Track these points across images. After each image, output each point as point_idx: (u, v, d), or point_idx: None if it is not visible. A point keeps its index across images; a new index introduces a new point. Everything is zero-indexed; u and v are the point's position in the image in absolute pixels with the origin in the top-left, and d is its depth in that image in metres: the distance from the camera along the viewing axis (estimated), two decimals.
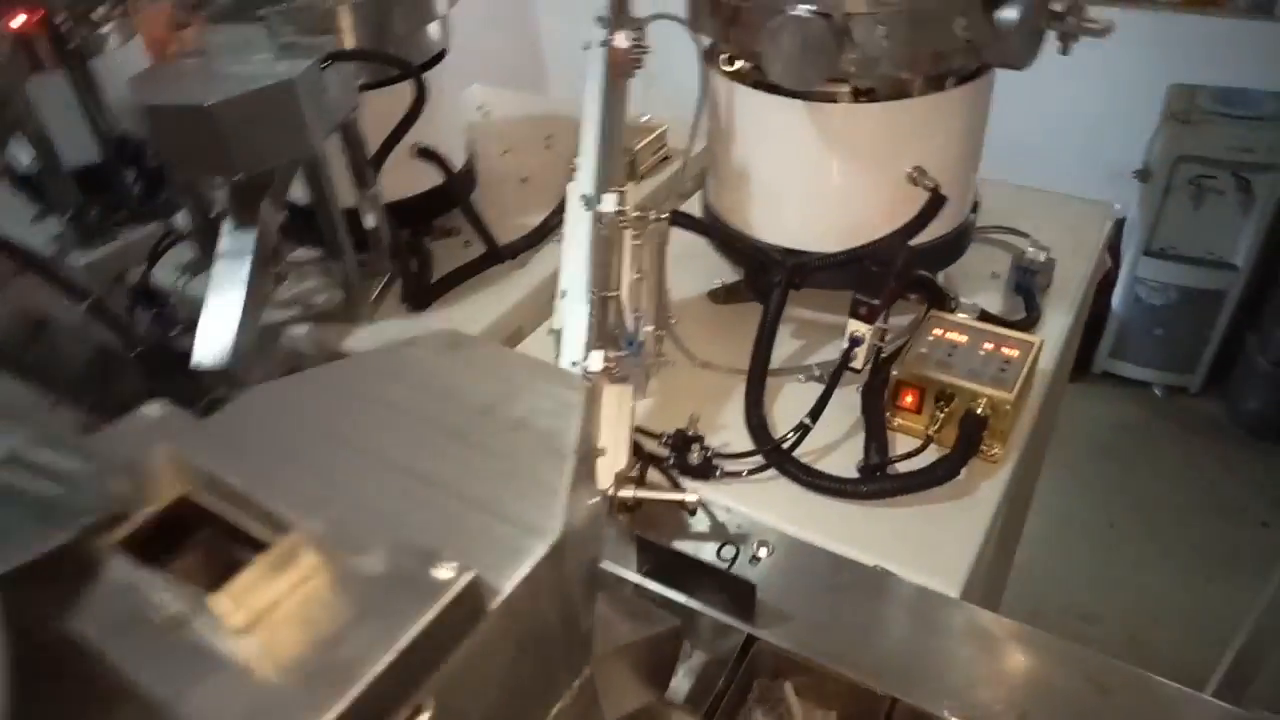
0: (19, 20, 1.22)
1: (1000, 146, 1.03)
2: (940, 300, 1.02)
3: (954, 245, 1.05)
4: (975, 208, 1.09)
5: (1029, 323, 1.03)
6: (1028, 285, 1.08)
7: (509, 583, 0.33)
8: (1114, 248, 2.50)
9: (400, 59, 1.07)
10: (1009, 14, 0.82)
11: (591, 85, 0.91)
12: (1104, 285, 2.51)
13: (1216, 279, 2.45)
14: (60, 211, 1.36)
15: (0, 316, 1.08)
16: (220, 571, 0.34)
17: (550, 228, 1.30)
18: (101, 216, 1.37)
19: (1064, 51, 0.89)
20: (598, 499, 0.42)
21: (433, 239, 1.30)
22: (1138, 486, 2.42)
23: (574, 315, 0.83)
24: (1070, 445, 2.41)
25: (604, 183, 0.85)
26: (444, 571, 0.31)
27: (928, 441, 0.87)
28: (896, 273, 0.90)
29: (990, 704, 0.66)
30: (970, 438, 0.84)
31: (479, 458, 0.39)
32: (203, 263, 1.28)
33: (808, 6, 0.82)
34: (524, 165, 1.49)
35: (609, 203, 0.83)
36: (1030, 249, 1.10)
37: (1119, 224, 2.51)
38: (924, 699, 0.67)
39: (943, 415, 0.88)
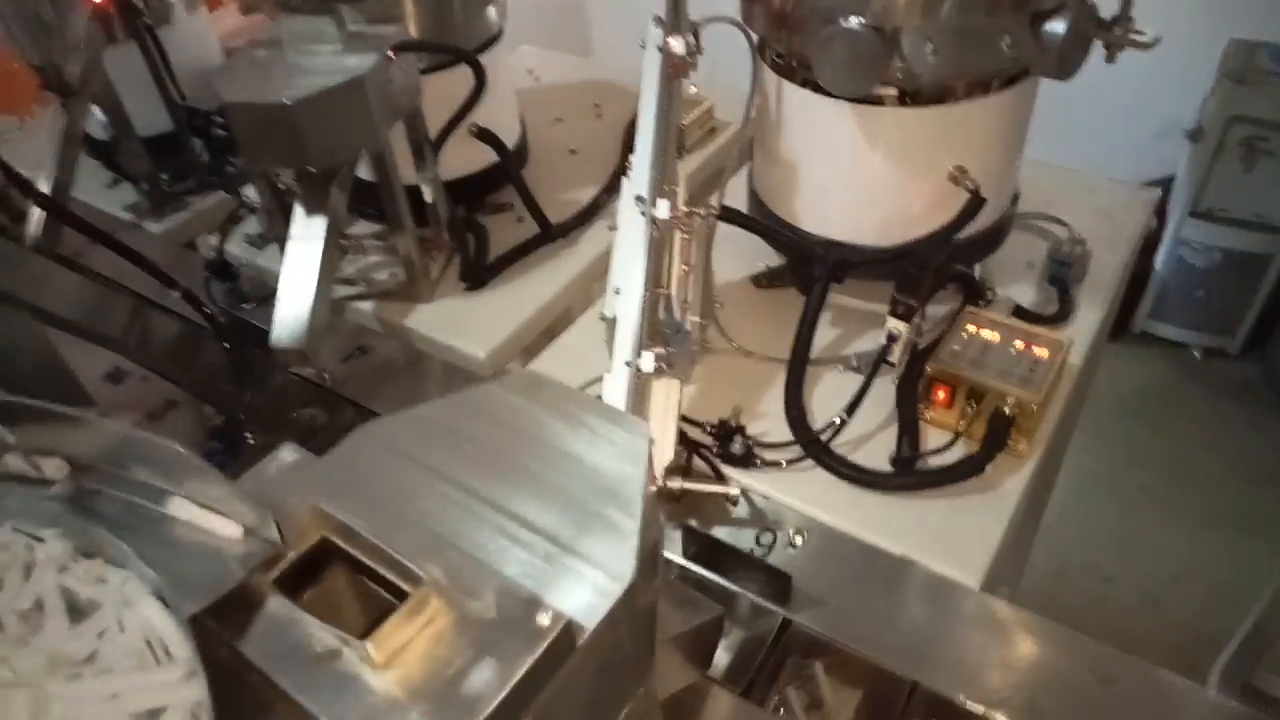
0: None
1: (1045, 102, 1.02)
2: (976, 294, 1.06)
3: (992, 238, 1.09)
4: (1015, 199, 1.12)
5: (1061, 317, 1.07)
6: (1062, 278, 1.11)
7: (593, 622, 0.40)
8: (1159, 208, 2.48)
9: (461, 49, 1.12)
10: (1056, 27, 0.84)
11: (647, 87, 0.94)
12: (1148, 246, 2.50)
13: (1263, 243, 2.43)
14: (133, 179, 1.44)
15: (89, 297, 1.16)
16: (354, 606, 0.42)
17: (599, 206, 1.34)
18: (171, 184, 1.44)
19: (1110, 60, 0.90)
20: (660, 536, 0.48)
21: (485, 215, 1.35)
22: (1169, 449, 2.45)
23: (626, 314, 0.88)
24: (1104, 406, 2.44)
25: (659, 186, 0.89)
26: (544, 618, 0.38)
27: (957, 437, 0.92)
28: (934, 273, 0.94)
29: (1001, 689, 0.73)
30: (997, 436, 0.90)
31: (560, 500, 0.46)
32: (269, 236, 1.36)
33: (859, 18, 0.85)
34: (573, 135, 1.53)
35: (664, 209, 0.87)
36: (1065, 241, 1.13)
37: (1166, 184, 2.48)
38: (941, 683, 0.74)
39: (973, 411, 0.93)
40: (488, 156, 1.31)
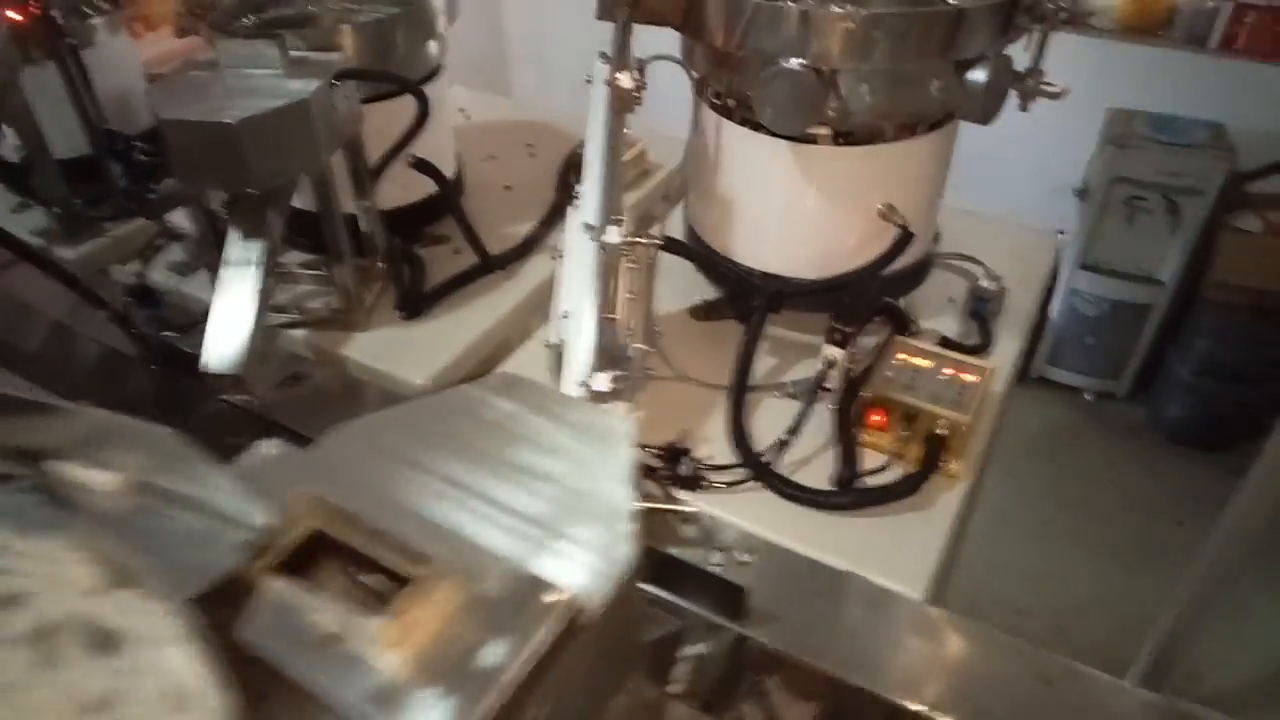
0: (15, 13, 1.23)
1: (954, 163, 1.10)
2: (903, 325, 1.11)
3: (917, 273, 1.15)
4: (936, 238, 1.18)
5: (982, 347, 1.13)
6: (981, 312, 1.18)
7: (595, 602, 0.40)
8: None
9: (405, 79, 1.12)
10: (978, 75, 0.91)
11: (594, 120, 0.97)
12: (1044, 296, 2.67)
13: (1144, 293, 2.62)
14: (46, 203, 1.38)
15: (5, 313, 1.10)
16: (352, 593, 0.41)
17: (537, 239, 1.36)
18: (87, 210, 1.39)
19: (1023, 108, 0.98)
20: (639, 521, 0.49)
21: (422, 247, 1.35)
22: (1068, 486, 2.58)
23: (578, 337, 0.90)
24: (1007, 446, 2.56)
25: (607, 214, 0.92)
26: (551, 597, 0.38)
27: (895, 457, 0.96)
28: (868, 303, 0.99)
29: (948, 693, 0.75)
30: (932, 455, 0.94)
31: (548, 489, 0.46)
32: (194, 263, 1.32)
33: (799, 60, 0.90)
34: (507, 172, 1.54)
35: (613, 234, 0.89)
36: (984, 278, 1.20)
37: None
38: (890, 690, 0.76)
39: (907, 434, 0.97)
40: (425, 188, 1.31)
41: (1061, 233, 2.65)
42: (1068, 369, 2.84)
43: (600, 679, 0.44)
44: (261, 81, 1.02)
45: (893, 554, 0.89)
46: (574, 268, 0.97)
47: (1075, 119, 2.57)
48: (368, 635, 0.36)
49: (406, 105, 1.19)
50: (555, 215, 1.41)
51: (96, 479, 0.40)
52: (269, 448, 0.45)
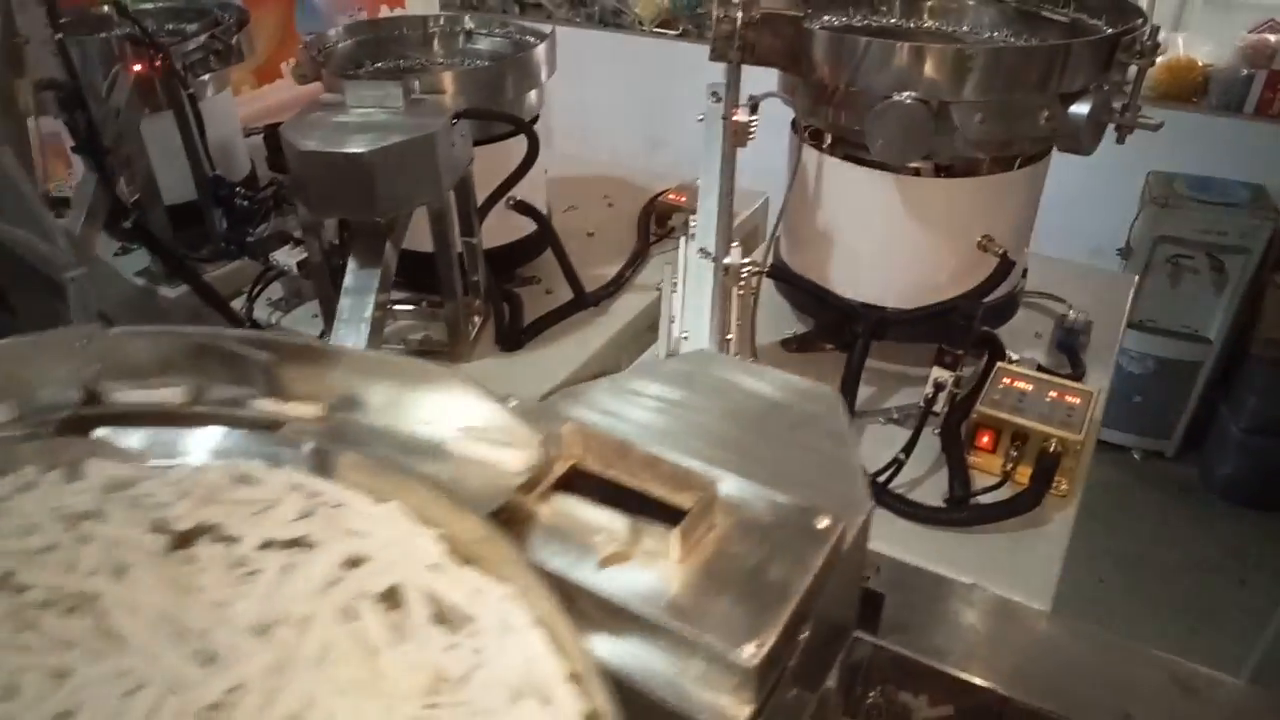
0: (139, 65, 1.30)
1: None
2: (999, 354, 1.14)
3: (1010, 305, 1.18)
4: (1024, 273, 1.22)
5: (1075, 377, 1.15)
6: (1071, 344, 1.20)
7: (850, 534, 0.42)
8: None
9: (520, 119, 1.18)
10: (1080, 109, 0.95)
11: (710, 152, 1.01)
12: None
13: (1192, 351, 2.63)
14: (152, 247, 1.43)
15: None
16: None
17: (624, 278, 1.40)
18: (189, 252, 1.44)
19: (1120, 141, 1.02)
20: None
21: (514, 286, 1.39)
22: (1123, 545, 2.55)
23: None
24: None
25: (727, 240, 0.96)
26: (823, 522, 0.40)
27: (1006, 477, 0.98)
28: (972, 330, 1.02)
29: (1095, 701, 0.75)
30: (1046, 473, 0.95)
31: (778, 448, 0.48)
32: (294, 300, 1.37)
33: (910, 94, 0.95)
34: (588, 220, 1.60)
35: (735, 255, 0.93)
36: (1071, 312, 1.23)
37: None
38: (1033, 698, 0.75)
39: (1017, 454, 0.98)
40: (518, 230, 1.36)
41: None
42: (1116, 428, 2.84)
43: (840, 619, 0.46)
44: (387, 118, 1.07)
45: (1014, 569, 0.90)
46: (689, 293, 1.00)
47: (1115, 182, 2.64)
48: (658, 549, 0.38)
49: (508, 150, 1.25)
50: (638, 259, 1.46)
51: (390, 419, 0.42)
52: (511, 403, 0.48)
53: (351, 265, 1.10)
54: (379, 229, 1.09)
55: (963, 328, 1.00)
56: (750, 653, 0.34)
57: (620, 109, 3.41)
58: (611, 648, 0.36)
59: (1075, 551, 2.56)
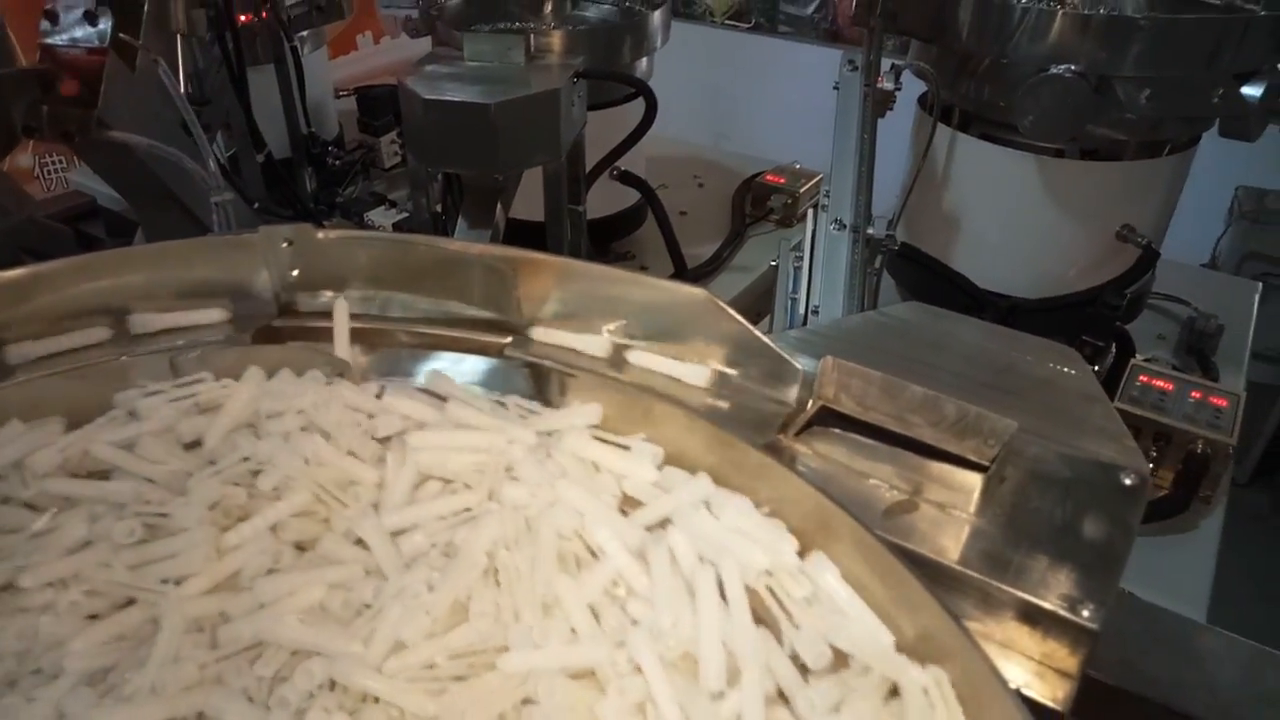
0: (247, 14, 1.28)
1: None
2: (1131, 350, 1.08)
3: (1137, 302, 1.12)
4: (1154, 272, 1.16)
5: (1213, 380, 1.09)
6: (1201, 347, 1.14)
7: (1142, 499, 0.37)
8: None
9: (641, 81, 1.14)
10: (1254, 90, 0.90)
11: (846, 122, 0.97)
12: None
13: (1274, 374, 2.54)
14: (248, 201, 1.41)
15: None
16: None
17: (722, 257, 1.36)
18: (279, 209, 1.42)
19: None
20: None
21: (609, 262, 1.35)
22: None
23: None
24: None
25: (868, 212, 0.91)
26: (1130, 479, 0.35)
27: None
28: (1117, 319, 0.96)
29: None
30: (1195, 476, 0.89)
31: (1026, 404, 0.44)
32: None
33: (1068, 66, 0.89)
34: (680, 200, 1.56)
35: (880, 227, 0.88)
36: (1199, 316, 1.17)
37: None
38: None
39: (1157, 455, 0.93)
40: (618, 203, 1.32)
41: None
42: None
43: None
44: (508, 73, 1.04)
45: (1164, 576, 0.84)
46: (823, 266, 0.95)
47: (1200, 196, 2.55)
48: (947, 499, 0.34)
49: (617, 117, 1.21)
50: (736, 237, 1.42)
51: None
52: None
53: (461, 225, 1.07)
54: (493, 187, 1.05)
55: (1107, 319, 0.94)
56: (1090, 613, 0.30)
57: (687, 99, 3.36)
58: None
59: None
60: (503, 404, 0.38)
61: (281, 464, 0.35)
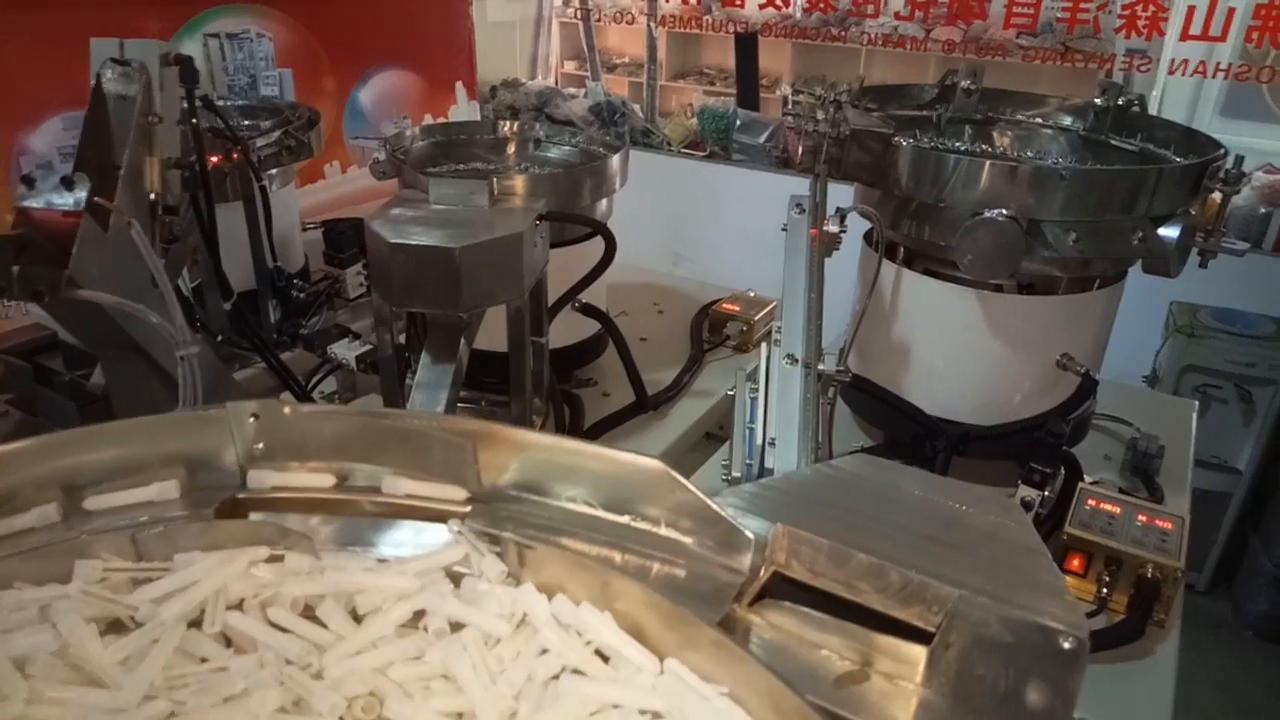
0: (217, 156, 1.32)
1: None
2: (1079, 474, 1.11)
3: (1082, 426, 1.16)
4: (1095, 396, 1.21)
5: (1158, 500, 1.13)
6: (1145, 468, 1.18)
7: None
8: None
9: (599, 222, 1.19)
10: (1170, 232, 0.97)
11: (795, 261, 1.02)
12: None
13: (1221, 481, 2.60)
14: (212, 333, 1.42)
15: None
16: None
17: (683, 383, 1.39)
18: (243, 341, 1.43)
19: (1203, 265, 1.03)
20: None
21: (571, 388, 1.37)
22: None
23: (784, 464, 0.90)
24: None
25: (818, 346, 0.95)
26: (1068, 642, 0.37)
27: (1103, 604, 0.94)
28: (1057, 448, 1.00)
29: None
30: (1147, 600, 0.91)
31: (970, 560, 0.45)
32: (348, 395, 1.35)
33: (1002, 210, 0.95)
34: (641, 327, 1.60)
35: (830, 363, 0.92)
36: (1142, 437, 1.21)
37: None
38: None
39: (1109, 579, 0.95)
40: (579, 334, 1.35)
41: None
42: None
43: None
44: (472, 216, 1.08)
45: (1124, 704, 0.85)
46: (776, 398, 0.98)
47: (1138, 312, 2.66)
48: (896, 670, 0.35)
49: (577, 254, 1.26)
50: (694, 364, 1.45)
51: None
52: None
53: (425, 360, 1.09)
54: (457, 324, 1.08)
55: (1051, 445, 0.98)
56: None
57: (646, 225, 3.48)
58: None
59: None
60: None
61: None
